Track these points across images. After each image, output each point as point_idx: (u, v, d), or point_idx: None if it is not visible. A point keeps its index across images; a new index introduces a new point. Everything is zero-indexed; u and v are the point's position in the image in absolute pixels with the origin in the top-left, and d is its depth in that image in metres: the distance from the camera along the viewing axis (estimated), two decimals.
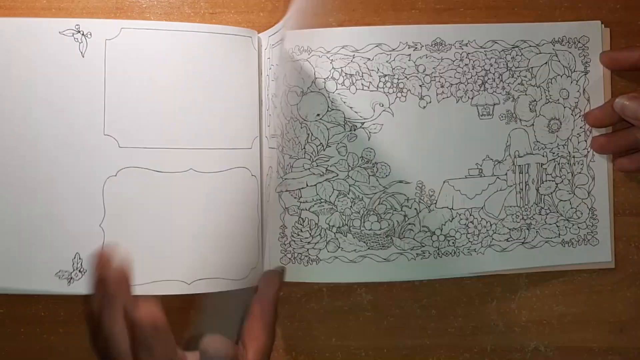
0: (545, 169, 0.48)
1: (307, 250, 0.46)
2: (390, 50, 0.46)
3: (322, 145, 0.46)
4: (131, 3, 0.47)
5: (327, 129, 0.46)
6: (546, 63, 0.47)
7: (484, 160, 0.47)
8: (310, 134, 0.46)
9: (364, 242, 0.46)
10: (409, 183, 0.46)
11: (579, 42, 0.48)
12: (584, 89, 0.48)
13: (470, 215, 0.47)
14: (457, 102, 0.47)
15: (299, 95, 0.46)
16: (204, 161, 0.43)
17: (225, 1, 0.47)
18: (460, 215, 0.47)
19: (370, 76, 0.46)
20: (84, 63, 0.42)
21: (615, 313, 0.49)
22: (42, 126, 0.42)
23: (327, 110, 0.46)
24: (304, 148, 0.46)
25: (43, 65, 0.42)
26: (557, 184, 0.48)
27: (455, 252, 0.47)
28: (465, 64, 0.47)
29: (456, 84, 0.47)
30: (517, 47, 0.47)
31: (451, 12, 0.48)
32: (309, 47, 0.46)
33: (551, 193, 0.48)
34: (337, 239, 0.46)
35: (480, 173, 0.47)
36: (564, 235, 0.48)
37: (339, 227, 0.46)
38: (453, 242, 0.47)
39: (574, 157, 0.48)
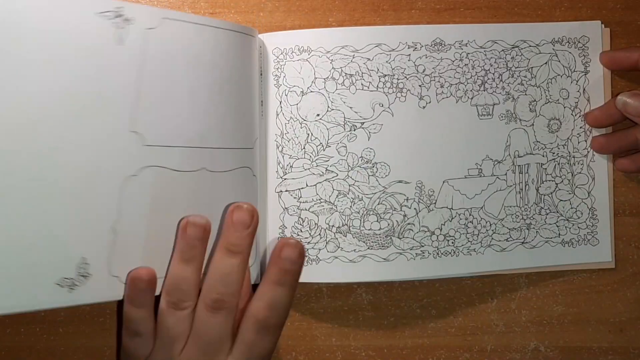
0: (545, 169, 0.48)
1: (307, 250, 0.46)
2: (390, 50, 0.46)
3: (322, 145, 0.46)
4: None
5: (327, 129, 0.46)
6: (546, 63, 0.47)
7: (483, 160, 0.47)
8: (310, 134, 0.46)
9: (364, 242, 0.46)
10: (408, 183, 0.46)
11: (579, 42, 0.48)
12: (584, 89, 0.48)
13: (470, 215, 0.47)
14: (456, 102, 0.47)
15: (299, 95, 0.46)
16: (215, 160, 0.42)
17: (225, 1, 0.47)
18: (459, 215, 0.47)
19: (370, 76, 0.46)
20: (121, 52, 0.39)
21: (615, 313, 0.49)
22: (59, 118, 0.37)
23: (327, 110, 0.46)
24: (304, 148, 0.46)
25: (72, 50, 0.37)
26: (557, 184, 0.48)
27: (454, 252, 0.47)
28: (465, 64, 0.47)
29: (456, 84, 0.47)
30: (517, 47, 0.47)
31: (451, 12, 0.48)
32: (309, 47, 0.46)
33: (551, 193, 0.48)
34: (337, 239, 0.46)
35: (480, 173, 0.47)
36: (564, 235, 0.48)
37: (338, 227, 0.46)
38: (452, 242, 0.47)
39: (574, 157, 0.48)
